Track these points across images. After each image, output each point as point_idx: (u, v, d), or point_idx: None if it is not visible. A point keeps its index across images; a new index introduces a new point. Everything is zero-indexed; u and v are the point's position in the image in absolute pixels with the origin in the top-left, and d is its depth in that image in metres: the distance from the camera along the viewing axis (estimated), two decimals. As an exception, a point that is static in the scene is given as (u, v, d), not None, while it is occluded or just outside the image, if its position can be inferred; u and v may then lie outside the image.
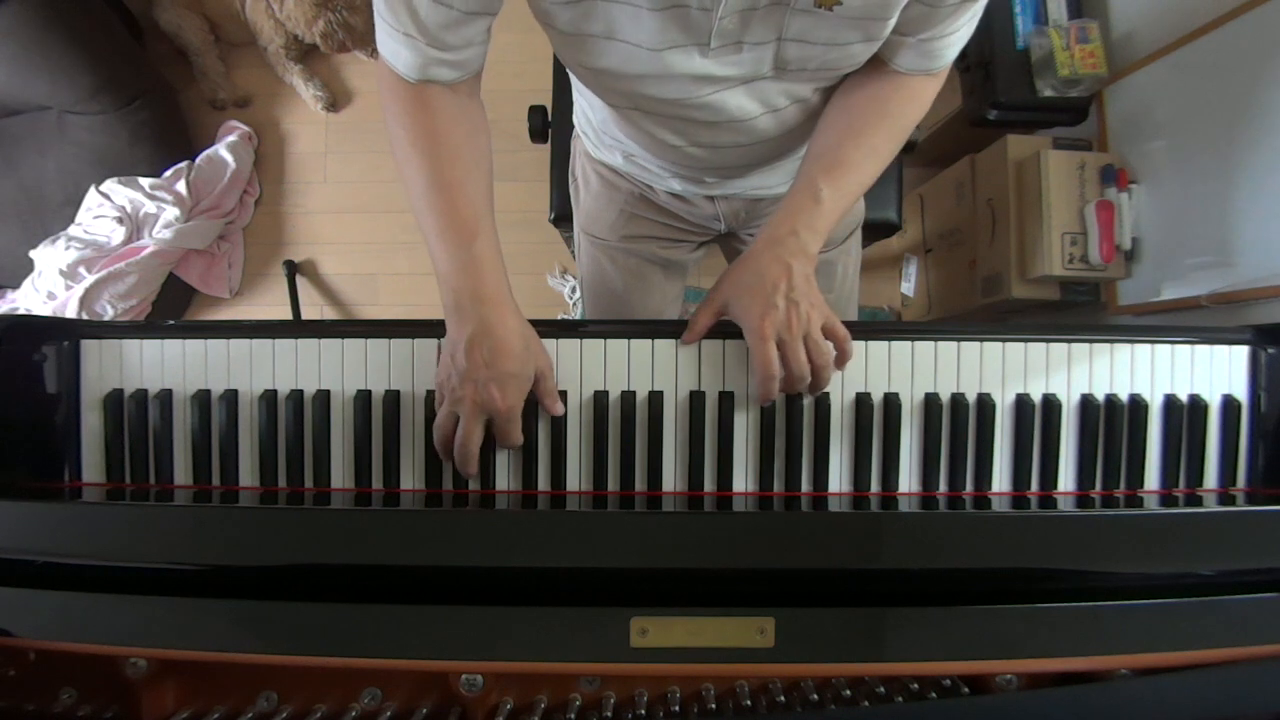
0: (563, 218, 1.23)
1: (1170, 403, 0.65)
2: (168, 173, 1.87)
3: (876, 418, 0.65)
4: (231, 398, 0.66)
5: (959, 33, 0.63)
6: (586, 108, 0.87)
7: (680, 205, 0.93)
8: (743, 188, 0.90)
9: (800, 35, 0.59)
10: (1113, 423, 0.65)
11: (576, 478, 0.65)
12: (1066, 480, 0.65)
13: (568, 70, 0.70)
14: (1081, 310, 1.49)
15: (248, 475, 0.66)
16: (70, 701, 0.52)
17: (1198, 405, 0.66)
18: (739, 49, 0.60)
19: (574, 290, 1.92)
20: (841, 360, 0.63)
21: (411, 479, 0.66)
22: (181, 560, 0.54)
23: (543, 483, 0.65)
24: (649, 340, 0.65)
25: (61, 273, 1.71)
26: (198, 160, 1.92)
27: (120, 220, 1.78)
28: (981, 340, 0.65)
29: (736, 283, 0.63)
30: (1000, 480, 0.65)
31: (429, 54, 0.60)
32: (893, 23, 0.59)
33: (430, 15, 0.58)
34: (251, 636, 0.50)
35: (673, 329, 0.66)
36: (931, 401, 0.65)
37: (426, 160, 0.62)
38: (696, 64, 0.61)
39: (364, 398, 0.65)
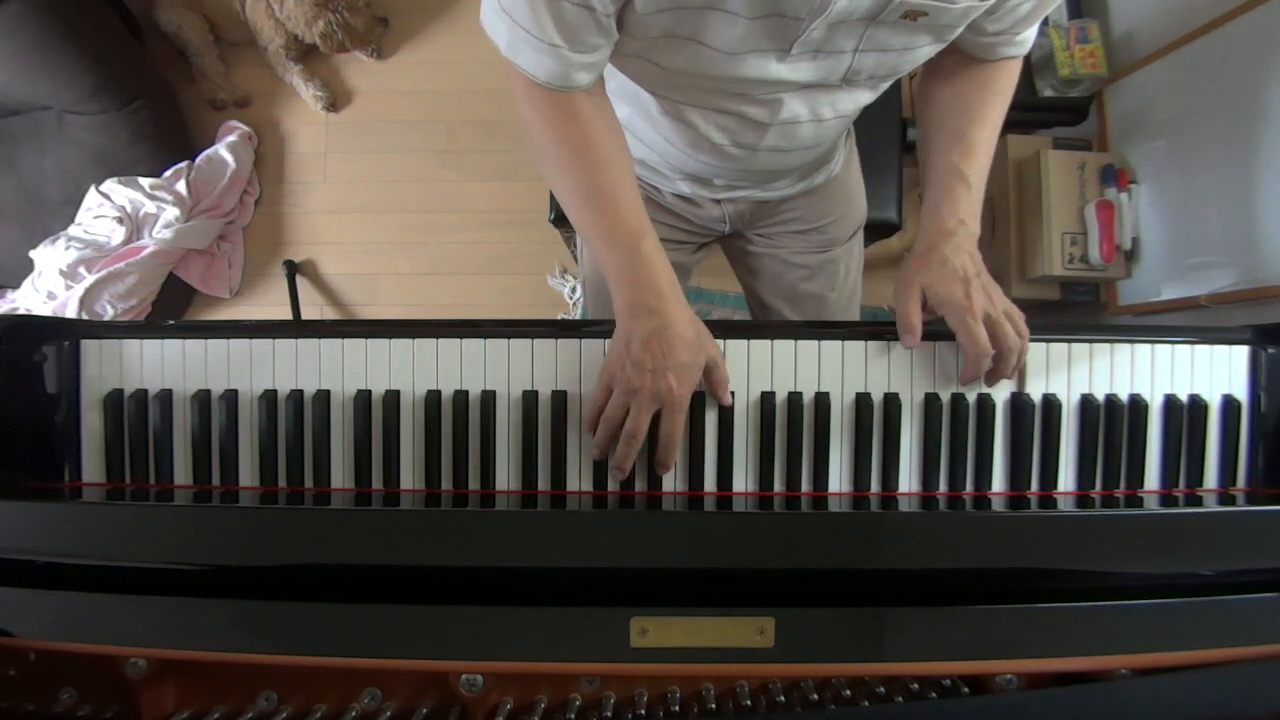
0: (563, 218, 1.23)
1: (1170, 403, 0.65)
2: (168, 173, 1.87)
3: (876, 418, 0.65)
4: (231, 398, 0.66)
5: (1038, 14, 0.67)
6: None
7: (686, 207, 0.93)
8: (750, 191, 0.90)
9: (879, 45, 0.62)
10: (1113, 423, 0.65)
11: (577, 478, 0.65)
12: (1066, 480, 0.65)
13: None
14: (1081, 310, 1.49)
15: (248, 475, 0.66)
16: (70, 701, 0.52)
17: (1198, 405, 0.66)
18: (814, 56, 0.63)
19: (574, 290, 1.92)
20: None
21: (411, 479, 0.66)
22: (181, 560, 0.54)
23: (543, 483, 0.65)
24: (649, 340, 0.65)
25: (61, 273, 1.72)
26: (198, 160, 1.92)
27: (120, 220, 1.78)
28: (981, 340, 0.65)
29: (926, 272, 0.65)
30: (1000, 480, 0.65)
31: (572, 60, 0.61)
32: (964, 27, 0.63)
33: (576, 19, 0.59)
34: (251, 636, 0.50)
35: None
36: (931, 401, 0.65)
37: (582, 170, 0.65)
38: (771, 69, 0.63)
39: (364, 398, 0.65)
